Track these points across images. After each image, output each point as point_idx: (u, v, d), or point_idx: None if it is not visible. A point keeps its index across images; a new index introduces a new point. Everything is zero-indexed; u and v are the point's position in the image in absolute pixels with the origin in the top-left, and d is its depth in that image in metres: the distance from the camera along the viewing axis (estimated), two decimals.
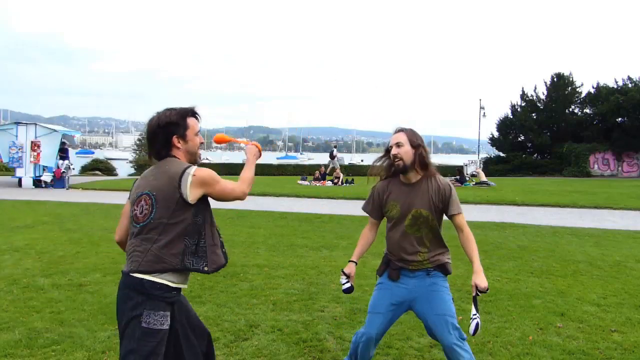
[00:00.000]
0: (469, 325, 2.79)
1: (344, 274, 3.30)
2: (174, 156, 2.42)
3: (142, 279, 2.26)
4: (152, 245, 2.29)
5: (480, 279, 2.78)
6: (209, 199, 2.44)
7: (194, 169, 2.35)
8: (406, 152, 2.89)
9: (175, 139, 2.40)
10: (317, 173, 23.58)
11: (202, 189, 2.35)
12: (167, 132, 2.40)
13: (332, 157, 25.94)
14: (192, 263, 2.36)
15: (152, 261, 2.28)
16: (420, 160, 2.89)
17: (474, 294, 2.82)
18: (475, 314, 2.79)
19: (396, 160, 2.90)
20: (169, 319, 2.33)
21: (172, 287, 2.34)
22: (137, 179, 2.51)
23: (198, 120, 2.52)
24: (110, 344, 3.69)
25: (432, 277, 2.94)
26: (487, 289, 2.81)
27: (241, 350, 3.64)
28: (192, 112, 2.49)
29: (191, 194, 2.32)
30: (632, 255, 7.12)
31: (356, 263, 3.42)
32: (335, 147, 28.19)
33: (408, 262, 3.04)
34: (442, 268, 2.96)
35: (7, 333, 3.88)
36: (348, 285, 3.23)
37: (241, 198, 2.50)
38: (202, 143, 2.53)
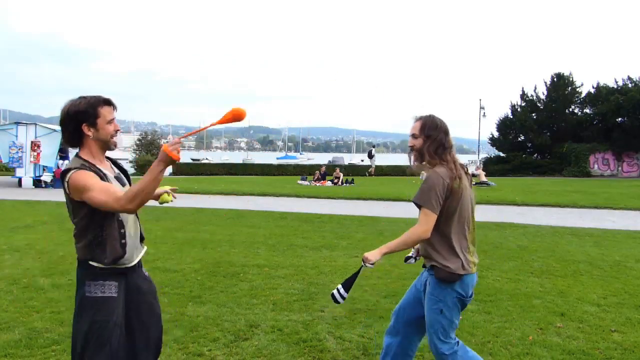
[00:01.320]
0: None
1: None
2: (84, 145, 2.42)
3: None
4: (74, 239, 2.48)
5: (370, 253, 2.70)
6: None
7: (70, 173, 2.31)
8: (420, 143, 2.73)
9: (85, 127, 2.38)
10: (317, 173, 23.59)
11: (78, 195, 2.32)
12: (76, 120, 2.38)
13: (370, 156, 26.23)
14: (97, 255, 2.45)
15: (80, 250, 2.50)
16: (426, 151, 2.71)
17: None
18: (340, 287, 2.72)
19: (412, 152, 2.78)
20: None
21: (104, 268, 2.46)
22: None
23: (114, 109, 2.45)
24: None
25: (430, 277, 2.76)
26: (371, 262, 2.67)
27: (241, 350, 3.64)
28: (104, 101, 2.43)
29: (74, 196, 2.34)
30: (632, 255, 7.12)
31: None
32: (374, 146, 28.36)
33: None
34: (434, 271, 2.72)
35: (7, 333, 3.88)
36: (411, 258, 3.08)
37: (120, 212, 2.33)
38: (117, 130, 2.47)
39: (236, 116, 2.31)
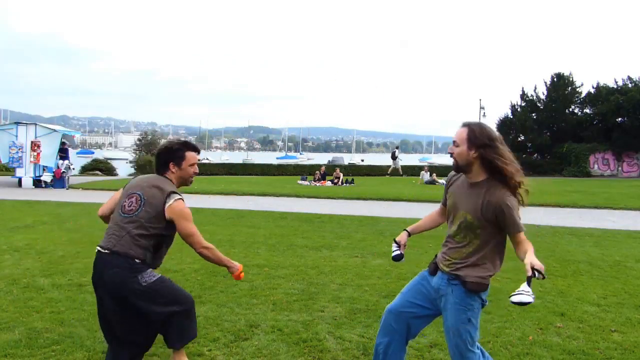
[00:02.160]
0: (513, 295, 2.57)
1: (395, 241, 3.15)
2: (168, 177, 3.03)
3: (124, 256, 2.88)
4: (126, 233, 2.92)
5: (533, 259, 2.56)
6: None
7: (176, 198, 2.94)
8: (461, 152, 2.62)
9: (171, 165, 3.02)
10: (317, 173, 23.59)
11: (173, 216, 2.94)
12: (166, 156, 3.03)
13: (393, 157, 26.51)
14: (148, 259, 2.97)
15: (125, 245, 2.90)
16: (484, 162, 2.61)
17: (529, 274, 2.59)
18: (523, 290, 2.59)
19: (452, 158, 2.70)
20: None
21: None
22: (136, 177, 3.09)
23: (198, 153, 3.13)
24: None
25: (452, 286, 2.67)
26: (542, 269, 2.57)
27: (241, 350, 3.64)
28: (192, 147, 3.09)
29: (167, 214, 2.93)
30: (632, 255, 7.12)
31: (409, 234, 3.21)
32: (397, 147, 28.57)
33: (443, 259, 2.82)
34: (462, 281, 2.64)
35: (7, 333, 3.88)
36: (397, 252, 3.11)
37: (194, 247, 3.16)
38: (195, 173, 3.13)
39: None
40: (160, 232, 2.98)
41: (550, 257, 6.88)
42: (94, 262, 2.99)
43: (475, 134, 2.60)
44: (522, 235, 2.62)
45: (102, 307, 2.96)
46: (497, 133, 2.73)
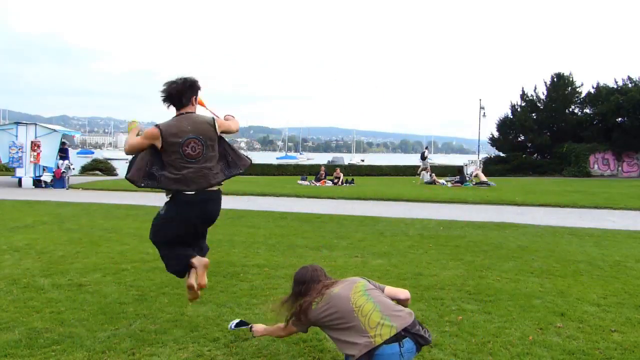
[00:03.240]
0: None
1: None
2: (192, 111, 3.70)
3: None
4: (210, 170, 3.64)
5: None
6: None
7: (214, 118, 3.74)
8: None
9: (193, 99, 3.69)
10: (321, 173, 23.50)
11: (221, 129, 3.76)
12: (192, 91, 3.68)
13: (423, 157, 26.49)
14: (229, 172, 3.79)
15: (213, 177, 3.67)
16: None
17: None
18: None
19: None
20: None
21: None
22: (166, 125, 3.59)
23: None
24: (110, 344, 3.69)
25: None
26: None
27: (241, 350, 3.64)
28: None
29: (219, 132, 3.72)
30: (632, 255, 7.12)
31: None
32: (426, 148, 28.51)
33: None
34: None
35: (7, 333, 3.88)
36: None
37: (234, 130, 3.90)
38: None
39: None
40: (221, 150, 3.80)
41: (550, 257, 6.88)
42: (193, 198, 3.62)
43: None
44: None
45: (194, 228, 3.79)
46: None
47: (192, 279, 3.74)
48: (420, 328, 2.86)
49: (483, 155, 38.66)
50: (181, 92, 3.63)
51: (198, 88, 3.72)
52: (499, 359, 3.57)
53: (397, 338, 2.74)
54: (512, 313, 4.53)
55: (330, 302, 3.02)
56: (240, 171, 3.81)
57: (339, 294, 3.03)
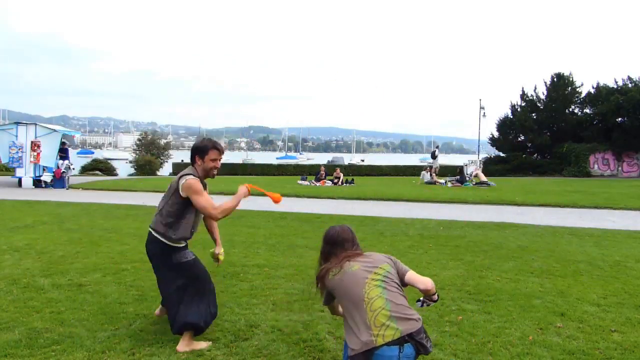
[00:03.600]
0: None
1: None
2: (195, 167, 3.75)
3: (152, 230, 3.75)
4: (159, 217, 3.72)
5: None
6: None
7: (186, 178, 3.61)
8: None
9: (197, 158, 3.76)
10: (321, 173, 23.49)
11: (186, 193, 3.60)
12: (194, 151, 3.78)
13: (433, 157, 26.61)
14: (169, 234, 3.67)
15: (158, 224, 3.70)
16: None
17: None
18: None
19: None
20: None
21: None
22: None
23: (219, 152, 3.78)
24: (110, 344, 3.69)
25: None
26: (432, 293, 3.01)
27: (241, 350, 3.63)
28: (215, 145, 3.79)
29: (182, 192, 3.61)
30: (632, 255, 7.12)
31: None
32: (437, 147, 28.53)
33: None
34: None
35: (7, 333, 3.88)
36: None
37: (211, 217, 3.72)
38: (215, 167, 3.77)
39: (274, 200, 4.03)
40: (178, 207, 3.67)
41: (550, 257, 6.88)
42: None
43: None
44: None
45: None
46: None
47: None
48: (424, 337, 2.80)
49: (483, 155, 38.66)
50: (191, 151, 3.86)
51: (196, 152, 3.78)
52: (499, 359, 3.57)
53: (399, 341, 2.69)
54: (512, 313, 4.53)
55: (344, 279, 2.92)
56: (172, 236, 3.72)
57: (356, 274, 2.91)
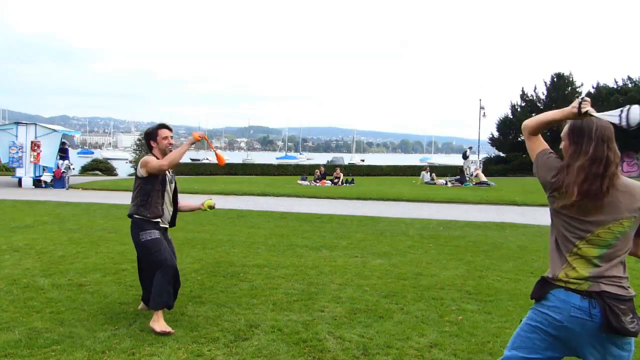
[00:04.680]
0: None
1: None
2: (153, 153, 4.15)
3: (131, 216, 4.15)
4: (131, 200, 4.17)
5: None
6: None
7: (143, 158, 4.10)
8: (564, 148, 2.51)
9: (151, 142, 4.19)
10: (317, 172, 23.59)
11: (143, 169, 4.06)
12: (147, 138, 4.23)
13: (465, 157, 26.78)
14: (141, 211, 4.06)
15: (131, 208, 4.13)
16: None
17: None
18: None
19: None
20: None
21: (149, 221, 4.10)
22: None
23: (168, 129, 4.22)
24: (110, 343, 3.69)
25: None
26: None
27: (241, 350, 3.63)
28: (162, 126, 4.23)
29: (140, 171, 4.09)
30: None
31: None
32: (470, 147, 28.66)
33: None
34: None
35: (7, 333, 3.88)
36: None
37: (158, 169, 4.01)
38: (170, 144, 4.15)
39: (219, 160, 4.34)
40: (141, 187, 4.09)
41: None
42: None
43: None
44: None
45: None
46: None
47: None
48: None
49: (483, 155, 38.66)
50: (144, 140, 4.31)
51: (149, 137, 4.22)
52: (498, 358, 3.57)
53: (587, 294, 2.22)
54: (512, 313, 4.53)
55: None
56: (147, 215, 4.07)
57: None
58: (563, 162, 2.36)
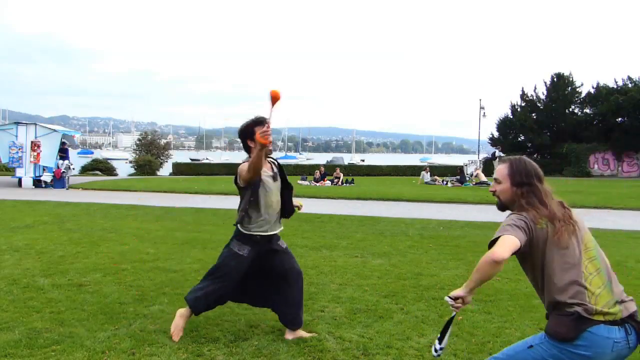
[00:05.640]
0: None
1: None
2: (250, 155, 3.68)
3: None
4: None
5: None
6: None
7: (240, 166, 3.69)
8: (504, 190, 2.43)
9: (249, 142, 3.73)
10: (317, 172, 23.60)
11: (240, 180, 3.71)
12: (244, 138, 3.76)
13: (494, 157, 26.96)
14: (248, 222, 3.75)
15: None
16: (518, 200, 2.38)
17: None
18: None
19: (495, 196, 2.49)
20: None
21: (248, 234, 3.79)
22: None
23: (263, 123, 3.52)
24: (110, 344, 3.69)
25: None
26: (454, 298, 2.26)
27: (241, 350, 3.63)
28: (256, 121, 3.67)
29: (240, 182, 3.73)
30: (632, 255, 7.12)
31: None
32: (498, 148, 28.80)
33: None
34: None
35: (7, 333, 3.88)
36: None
37: (246, 179, 3.65)
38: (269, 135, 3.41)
39: (274, 97, 3.23)
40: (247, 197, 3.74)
41: None
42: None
43: (513, 172, 2.43)
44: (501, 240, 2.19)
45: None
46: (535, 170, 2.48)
47: None
48: None
49: (483, 155, 38.68)
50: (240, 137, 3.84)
51: (246, 136, 3.76)
52: None
53: (622, 322, 2.18)
54: (512, 313, 4.53)
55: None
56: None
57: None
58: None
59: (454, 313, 2.35)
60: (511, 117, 36.25)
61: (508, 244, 2.14)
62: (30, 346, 3.63)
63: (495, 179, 2.48)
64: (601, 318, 2.15)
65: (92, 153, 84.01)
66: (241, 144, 3.85)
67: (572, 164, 32.07)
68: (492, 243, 2.19)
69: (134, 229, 8.81)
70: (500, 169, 2.46)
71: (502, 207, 2.50)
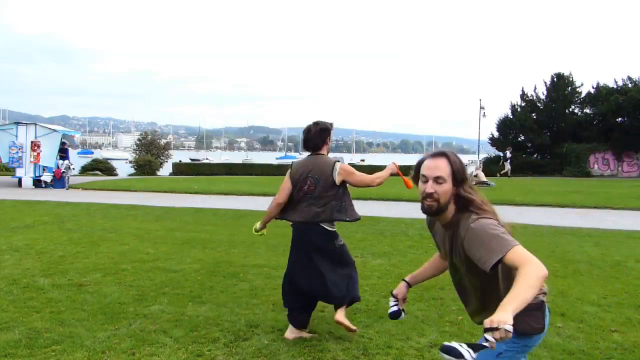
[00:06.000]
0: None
1: (392, 295, 2.52)
2: (322, 153, 4.01)
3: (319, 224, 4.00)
4: (314, 207, 3.94)
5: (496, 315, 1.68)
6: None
7: (339, 164, 3.93)
8: (446, 192, 2.08)
9: (327, 140, 4.01)
10: None
11: (343, 177, 3.90)
12: (325, 134, 3.99)
13: (505, 159, 27.63)
14: (337, 216, 3.91)
15: (314, 215, 3.97)
16: (460, 199, 2.09)
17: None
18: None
19: (428, 200, 2.12)
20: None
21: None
22: (295, 164, 4.25)
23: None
24: (110, 343, 3.69)
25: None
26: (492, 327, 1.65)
27: (241, 350, 3.63)
28: (331, 124, 4.10)
29: (337, 179, 3.86)
30: (632, 255, 7.12)
31: (409, 285, 2.52)
32: (510, 147, 29.17)
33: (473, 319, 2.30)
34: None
35: (7, 333, 3.88)
36: (395, 309, 2.50)
37: (369, 185, 3.99)
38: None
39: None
40: (336, 193, 3.91)
41: (550, 257, 6.88)
42: (294, 227, 4.29)
43: (457, 167, 2.10)
44: (514, 254, 1.98)
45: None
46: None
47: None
48: None
49: (483, 155, 38.64)
50: (314, 136, 4.03)
51: (327, 134, 4.02)
52: None
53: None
54: None
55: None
56: (347, 219, 3.99)
57: None
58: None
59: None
60: (511, 117, 36.22)
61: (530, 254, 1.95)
62: (30, 346, 3.63)
63: (436, 179, 2.08)
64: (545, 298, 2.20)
65: (92, 153, 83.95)
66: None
67: (572, 164, 32.04)
68: (499, 262, 1.96)
69: (134, 229, 8.81)
70: (441, 166, 2.10)
71: (438, 211, 2.11)
